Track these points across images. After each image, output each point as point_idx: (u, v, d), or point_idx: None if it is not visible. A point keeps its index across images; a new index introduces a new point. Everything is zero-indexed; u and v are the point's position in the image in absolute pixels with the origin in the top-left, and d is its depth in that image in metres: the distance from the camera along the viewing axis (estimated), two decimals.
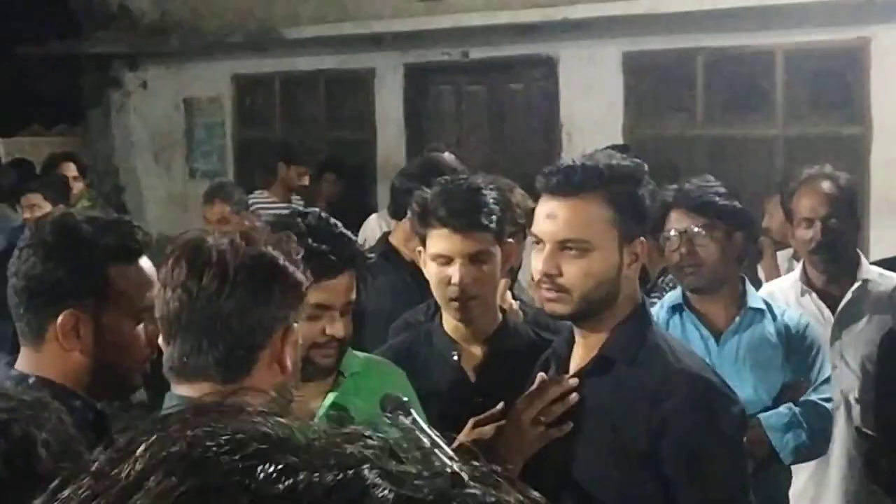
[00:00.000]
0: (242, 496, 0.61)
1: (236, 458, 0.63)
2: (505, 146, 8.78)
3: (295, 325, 1.98)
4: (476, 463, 0.67)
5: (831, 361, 3.71)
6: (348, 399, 2.57)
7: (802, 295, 4.01)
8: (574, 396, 2.49)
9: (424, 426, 2.38)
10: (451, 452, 0.68)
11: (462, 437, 2.62)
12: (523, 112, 8.97)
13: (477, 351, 2.97)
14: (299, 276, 1.97)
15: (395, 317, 3.44)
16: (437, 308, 3.04)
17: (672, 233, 3.51)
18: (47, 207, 6.03)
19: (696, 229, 3.48)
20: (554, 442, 2.51)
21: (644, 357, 2.44)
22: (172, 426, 0.66)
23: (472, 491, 0.64)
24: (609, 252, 2.44)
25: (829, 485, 3.98)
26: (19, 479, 1.43)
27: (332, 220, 2.59)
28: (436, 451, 0.67)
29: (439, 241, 2.85)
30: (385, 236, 4.70)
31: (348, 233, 2.61)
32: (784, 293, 4.03)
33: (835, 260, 3.97)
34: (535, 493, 0.69)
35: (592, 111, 8.26)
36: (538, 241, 2.49)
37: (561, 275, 2.43)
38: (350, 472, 0.63)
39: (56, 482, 0.67)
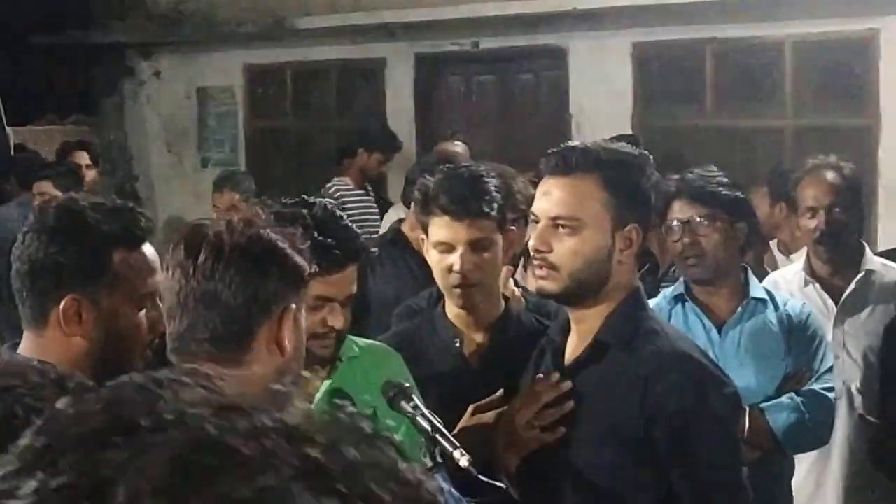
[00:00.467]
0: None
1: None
2: (514, 136, 8.77)
3: (294, 306, 1.99)
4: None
5: (834, 352, 3.71)
6: (345, 382, 2.59)
7: (806, 285, 4.01)
8: (570, 404, 2.50)
9: (425, 411, 2.41)
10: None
11: (463, 424, 2.64)
12: (533, 102, 8.97)
13: (479, 338, 2.97)
14: (298, 259, 1.98)
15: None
16: (440, 295, 3.04)
17: (674, 223, 3.51)
18: (58, 196, 6.02)
19: (698, 219, 3.47)
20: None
21: (639, 343, 2.46)
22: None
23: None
24: (600, 233, 2.46)
25: (831, 474, 3.99)
26: None
27: (339, 213, 2.60)
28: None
29: (441, 228, 2.86)
30: (398, 224, 4.73)
31: (353, 226, 2.62)
32: (787, 283, 4.03)
33: (839, 250, 3.97)
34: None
35: (602, 101, 8.24)
36: (536, 219, 2.53)
37: (551, 251, 2.46)
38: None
39: None
